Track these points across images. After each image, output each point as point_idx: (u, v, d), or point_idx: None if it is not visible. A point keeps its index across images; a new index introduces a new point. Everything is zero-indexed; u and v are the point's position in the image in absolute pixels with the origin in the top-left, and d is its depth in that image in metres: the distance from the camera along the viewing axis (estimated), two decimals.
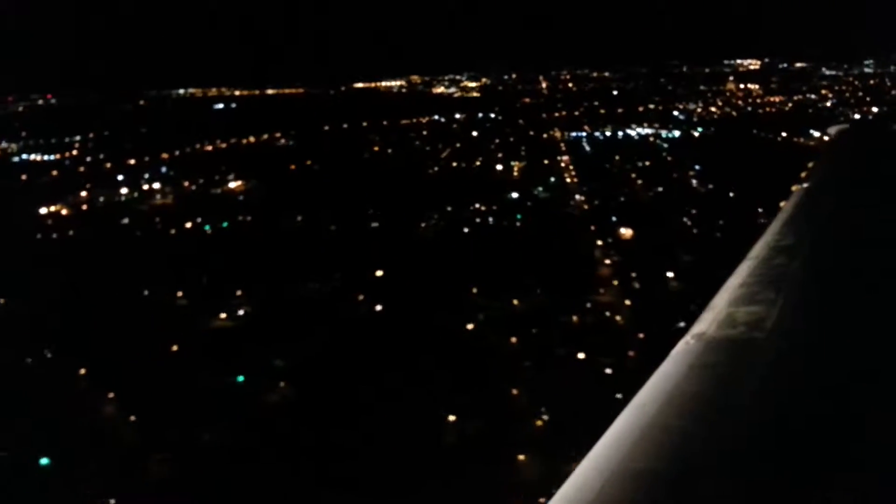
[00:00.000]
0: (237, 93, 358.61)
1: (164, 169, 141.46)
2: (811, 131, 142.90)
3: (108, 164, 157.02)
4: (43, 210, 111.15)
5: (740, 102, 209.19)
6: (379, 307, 66.63)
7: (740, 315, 4.87)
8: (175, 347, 58.87)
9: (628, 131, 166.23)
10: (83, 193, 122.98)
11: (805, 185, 9.22)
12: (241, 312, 67.32)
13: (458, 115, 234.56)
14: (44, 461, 43.76)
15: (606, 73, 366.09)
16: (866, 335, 4.60)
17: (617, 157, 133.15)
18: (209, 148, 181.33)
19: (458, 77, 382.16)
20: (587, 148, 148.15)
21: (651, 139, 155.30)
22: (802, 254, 6.19)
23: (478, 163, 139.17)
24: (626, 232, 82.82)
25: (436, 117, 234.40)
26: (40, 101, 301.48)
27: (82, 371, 54.93)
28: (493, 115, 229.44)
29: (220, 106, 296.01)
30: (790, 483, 3.14)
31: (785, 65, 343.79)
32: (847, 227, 7.24)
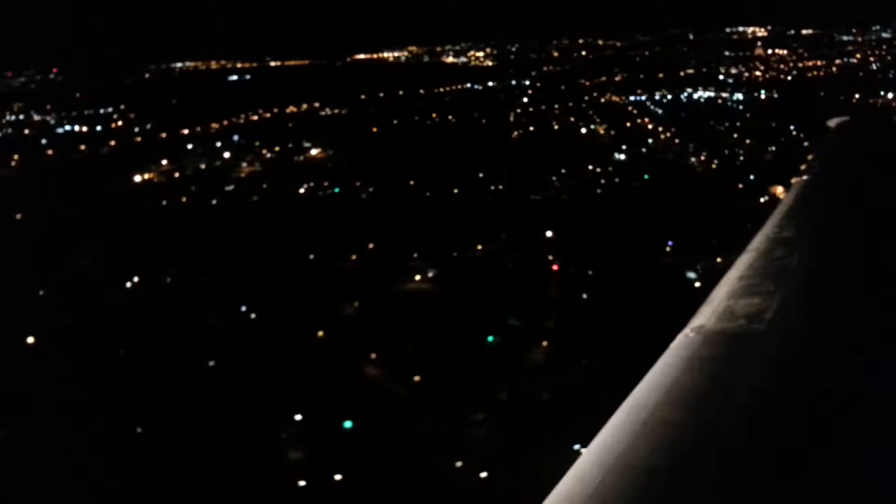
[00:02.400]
0: (238, 65, 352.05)
1: (235, 137, 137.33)
2: (882, 92, 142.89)
3: (163, 134, 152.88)
4: (137, 178, 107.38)
5: (782, 66, 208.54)
6: (574, 267, 65.02)
7: (739, 308, 4.83)
8: (405, 312, 56.76)
9: (689, 94, 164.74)
10: (164, 162, 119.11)
11: (805, 177, 9.23)
12: (430, 274, 65.21)
13: (490, 83, 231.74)
14: (348, 424, 41.77)
15: (613, 42, 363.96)
16: (865, 328, 4.56)
17: (698, 119, 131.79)
18: (255, 118, 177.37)
19: (456, 47, 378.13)
20: (658, 111, 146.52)
21: (719, 101, 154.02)
22: (802, 246, 6.17)
23: (556, 127, 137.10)
24: (779, 189, 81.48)
25: (468, 85, 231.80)
26: (38, 77, 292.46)
27: (320, 333, 52.77)
28: (527, 83, 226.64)
29: (235, 78, 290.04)
30: (789, 477, 3.10)
31: (792, 32, 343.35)
32: (846, 219, 7.29)
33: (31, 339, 55.63)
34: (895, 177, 9.25)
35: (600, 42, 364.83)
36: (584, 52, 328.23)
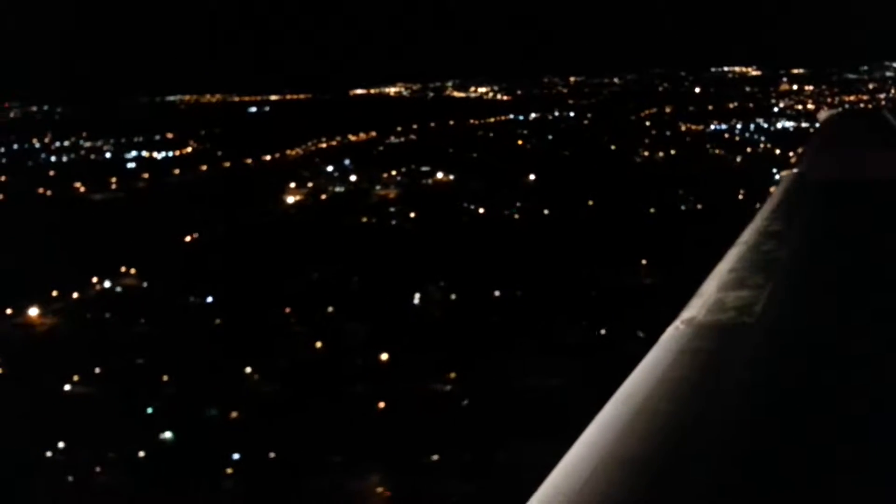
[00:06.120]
0: (237, 98, 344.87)
1: (346, 162, 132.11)
2: None
3: (248, 160, 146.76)
4: (292, 199, 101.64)
5: (829, 101, 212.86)
6: None
7: (729, 300, 4.90)
8: None
9: (770, 124, 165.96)
10: (292, 185, 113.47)
11: (795, 170, 9.25)
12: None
13: (532, 115, 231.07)
14: None
15: (615, 79, 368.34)
16: (855, 320, 4.61)
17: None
18: (323, 145, 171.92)
19: (448, 83, 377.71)
20: (760, 138, 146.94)
21: (811, 131, 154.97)
22: (792, 239, 6.24)
23: (672, 152, 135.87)
24: None
25: (511, 116, 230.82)
26: (34, 109, 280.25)
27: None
28: (572, 115, 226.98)
29: (254, 109, 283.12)
30: (779, 469, 3.12)
31: (783, 71, 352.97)
32: (836, 212, 7.35)
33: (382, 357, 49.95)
34: (884, 170, 9.08)
35: (596, 80, 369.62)
36: (588, 89, 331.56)
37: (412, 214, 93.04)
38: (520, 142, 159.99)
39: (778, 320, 4.55)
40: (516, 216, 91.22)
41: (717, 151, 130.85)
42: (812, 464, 3.12)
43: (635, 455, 3.19)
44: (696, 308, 4.82)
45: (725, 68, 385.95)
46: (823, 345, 4.28)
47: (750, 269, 5.50)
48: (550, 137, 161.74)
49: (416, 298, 60.82)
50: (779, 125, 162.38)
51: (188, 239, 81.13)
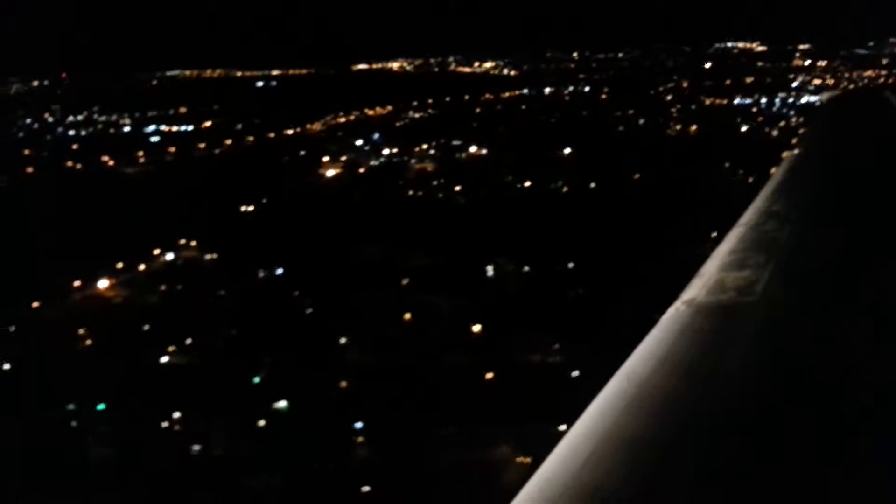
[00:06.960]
0: (238, 73, 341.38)
1: (376, 136, 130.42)
2: None
3: (271, 134, 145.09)
4: (330, 172, 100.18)
5: (847, 76, 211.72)
6: None
7: (730, 280, 4.92)
8: None
9: (794, 99, 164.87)
10: (325, 158, 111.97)
11: (797, 151, 9.21)
12: None
13: (546, 90, 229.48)
14: None
15: (619, 55, 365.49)
16: (856, 300, 4.62)
17: None
18: (342, 120, 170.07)
19: (449, 59, 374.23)
20: (790, 112, 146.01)
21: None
22: (793, 220, 6.29)
23: (705, 125, 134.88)
24: None
25: (524, 91, 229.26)
26: (42, 82, 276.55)
27: None
28: (587, 89, 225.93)
29: (261, 84, 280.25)
30: (779, 448, 3.15)
31: (790, 47, 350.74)
32: (837, 193, 7.36)
33: None
34: (885, 151, 9.17)
35: (601, 56, 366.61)
36: (595, 64, 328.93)
37: (457, 188, 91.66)
38: (543, 116, 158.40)
39: (778, 301, 4.55)
40: (565, 189, 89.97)
41: (754, 123, 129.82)
42: (813, 443, 3.09)
43: (636, 435, 3.18)
44: (696, 289, 4.83)
45: (729, 44, 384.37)
46: (824, 325, 4.27)
47: (750, 249, 5.48)
48: (573, 112, 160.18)
49: (490, 270, 59.85)
50: (803, 100, 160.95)
51: (239, 211, 79.84)
